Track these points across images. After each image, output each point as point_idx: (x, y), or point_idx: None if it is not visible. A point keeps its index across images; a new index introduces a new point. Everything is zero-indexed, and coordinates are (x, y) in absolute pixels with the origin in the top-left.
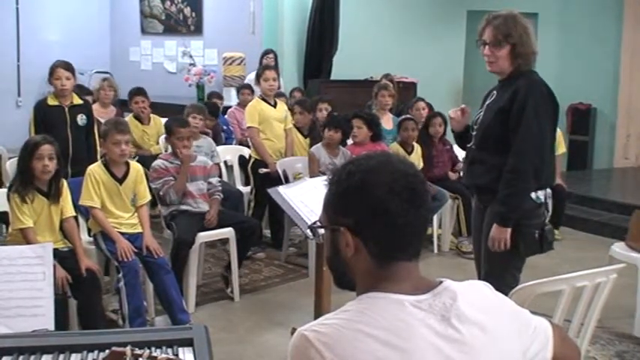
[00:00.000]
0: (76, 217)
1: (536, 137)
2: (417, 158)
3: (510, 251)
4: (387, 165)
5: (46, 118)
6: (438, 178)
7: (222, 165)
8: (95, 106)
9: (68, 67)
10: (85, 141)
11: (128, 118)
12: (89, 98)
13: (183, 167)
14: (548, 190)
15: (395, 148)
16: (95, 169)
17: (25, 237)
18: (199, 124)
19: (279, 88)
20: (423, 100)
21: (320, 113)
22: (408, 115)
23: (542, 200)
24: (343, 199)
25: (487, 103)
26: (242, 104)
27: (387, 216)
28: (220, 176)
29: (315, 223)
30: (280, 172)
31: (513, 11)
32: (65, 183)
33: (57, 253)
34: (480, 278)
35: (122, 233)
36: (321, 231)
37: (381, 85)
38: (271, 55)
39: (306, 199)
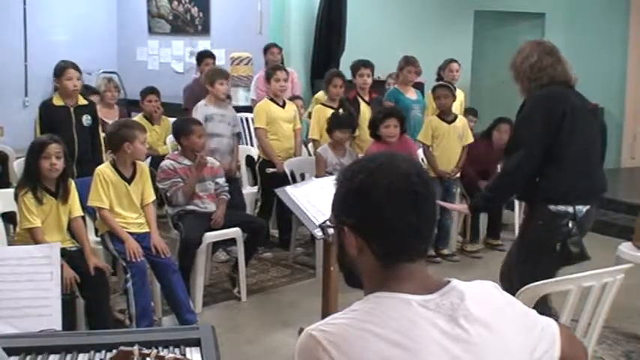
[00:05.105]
0: (83, 217)
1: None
2: (461, 127)
3: (533, 261)
4: (389, 166)
5: (51, 118)
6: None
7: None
8: (98, 107)
9: (77, 67)
10: (90, 141)
11: (138, 117)
12: (96, 98)
13: (196, 171)
14: (579, 207)
15: (434, 122)
16: (104, 169)
17: (33, 237)
18: (227, 90)
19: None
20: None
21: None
22: (441, 82)
23: (565, 212)
24: (346, 199)
25: None
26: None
27: (386, 218)
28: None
29: (325, 222)
30: (288, 172)
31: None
32: (73, 183)
33: (65, 253)
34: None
35: (130, 233)
36: (331, 230)
37: (409, 58)
38: (276, 50)
39: (313, 199)
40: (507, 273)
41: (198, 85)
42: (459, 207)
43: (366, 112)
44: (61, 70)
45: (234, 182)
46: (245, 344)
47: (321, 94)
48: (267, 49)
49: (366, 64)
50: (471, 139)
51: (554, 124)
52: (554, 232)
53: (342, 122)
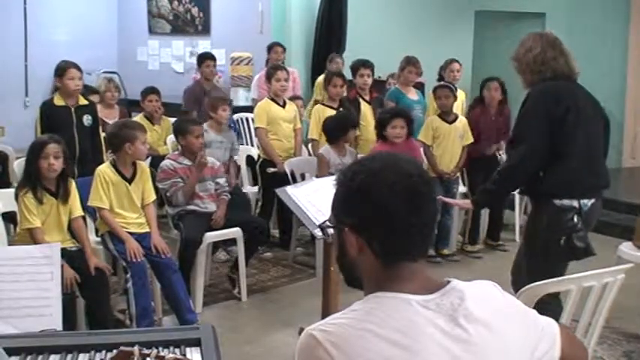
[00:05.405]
0: (83, 217)
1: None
2: (462, 127)
3: (539, 257)
4: (390, 166)
5: (52, 118)
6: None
7: (238, 161)
8: (99, 107)
9: (78, 67)
10: (91, 141)
11: (138, 117)
12: (96, 97)
13: (196, 172)
14: (584, 201)
15: (435, 122)
16: (104, 169)
17: (33, 237)
18: (229, 115)
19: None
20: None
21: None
22: (442, 82)
23: (570, 206)
24: (347, 199)
25: None
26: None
27: (387, 217)
28: (239, 171)
29: (325, 222)
30: (288, 172)
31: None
32: (73, 183)
33: (65, 253)
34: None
35: (130, 233)
36: (331, 230)
37: (410, 59)
38: (280, 49)
39: (313, 199)
40: (517, 273)
41: (198, 86)
42: (461, 202)
43: (367, 112)
44: (63, 69)
45: (235, 188)
46: (245, 344)
47: (323, 79)
48: (270, 48)
49: (366, 64)
50: (471, 139)
51: (557, 119)
52: (559, 227)
53: (350, 121)
